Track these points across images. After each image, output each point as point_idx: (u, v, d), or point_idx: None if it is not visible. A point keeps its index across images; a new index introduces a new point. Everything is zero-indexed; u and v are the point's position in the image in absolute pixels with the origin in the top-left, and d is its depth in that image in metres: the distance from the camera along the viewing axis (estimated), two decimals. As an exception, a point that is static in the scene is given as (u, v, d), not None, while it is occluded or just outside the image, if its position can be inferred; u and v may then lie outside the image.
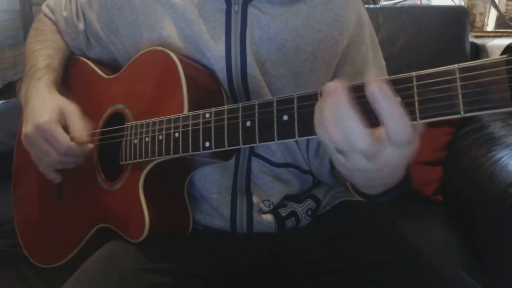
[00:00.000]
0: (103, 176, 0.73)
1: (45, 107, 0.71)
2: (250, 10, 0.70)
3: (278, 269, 0.72)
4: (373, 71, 0.74)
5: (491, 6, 1.68)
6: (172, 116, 0.61)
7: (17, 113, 0.91)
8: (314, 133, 0.47)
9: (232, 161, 0.72)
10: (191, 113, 0.59)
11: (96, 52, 0.85)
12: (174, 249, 0.68)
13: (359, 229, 0.74)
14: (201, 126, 0.57)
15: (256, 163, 0.73)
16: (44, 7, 0.90)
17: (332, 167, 0.74)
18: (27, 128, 0.70)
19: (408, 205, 1.14)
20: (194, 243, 0.71)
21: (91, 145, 0.71)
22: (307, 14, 0.71)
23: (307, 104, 0.48)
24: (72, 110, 0.72)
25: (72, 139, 0.69)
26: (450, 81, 0.39)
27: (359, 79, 0.73)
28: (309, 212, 0.76)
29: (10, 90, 1.98)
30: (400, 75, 0.42)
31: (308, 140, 0.75)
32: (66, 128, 0.71)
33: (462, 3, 1.74)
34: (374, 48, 0.77)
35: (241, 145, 0.53)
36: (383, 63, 0.78)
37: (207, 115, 0.57)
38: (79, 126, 0.70)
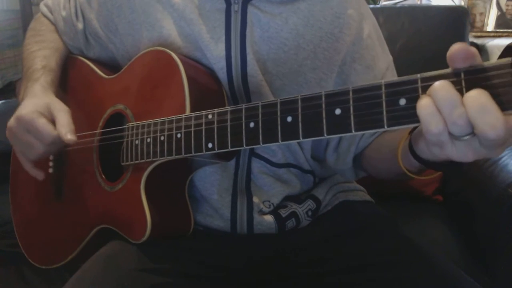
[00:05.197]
0: (103, 177, 0.73)
1: (31, 102, 0.70)
2: (250, 9, 0.70)
3: (279, 269, 0.72)
4: (383, 64, 0.74)
5: (491, 6, 1.68)
6: (174, 117, 0.61)
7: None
8: (318, 134, 0.47)
9: (232, 162, 0.72)
10: (193, 114, 0.59)
11: (95, 52, 0.84)
12: (174, 249, 0.68)
13: (359, 229, 0.74)
14: (203, 127, 0.57)
15: (256, 164, 0.73)
16: (42, 6, 0.89)
17: (355, 163, 0.74)
18: (10, 121, 0.69)
19: (408, 205, 1.15)
20: (195, 244, 0.71)
21: (75, 139, 0.67)
22: (307, 12, 0.71)
23: (311, 105, 0.47)
24: (62, 108, 0.70)
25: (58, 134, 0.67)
26: (455, 83, 0.39)
27: (370, 74, 0.73)
28: (309, 213, 0.76)
29: (10, 90, 1.97)
30: (404, 77, 0.42)
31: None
32: (53, 123, 0.68)
33: (462, 3, 1.74)
34: (381, 43, 0.77)
35: (244, 146, 0.53)
36: (390, 57, 0.78)
37: (210, 116, 0.57)
38: (67, 124, 0.68)
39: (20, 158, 0.73)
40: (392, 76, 0.77)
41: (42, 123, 0.67)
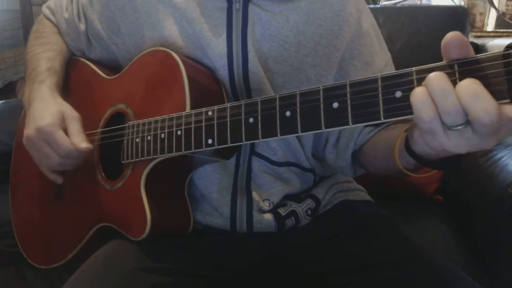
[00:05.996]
0: (103, 175, 0.73)
1: (47, 110, 0.71)
2: (251, 8, 0.70)
3: (278, 268, 0.72)
4: (381, 61, 0.75)
5: (491, 6, 1.68)
6: (174, 114, 0.61)
7: (17, 113, 0.91)
8: (316, 128, 0.48)
9: (232, 161, 0.72)
10: (193, 111, 0.59)
11: (97, 53, 0.85)
12: (174, 248, 0.68)
13: (359, 229, 0.74)
14: (203, 124, 0.58)
15: (256, 162, 0.73)
16: (44, 9, 0.90)
17: (354, 160, 0.75)
18: (29, 130, 0.71)
19: (408, 205, 1.15)
20: (194, 243, 0.71)
21: (91, 147, 0.70)
22: (307, 10, 0.72)
23: (309, 100, 0.48)
24: (74, 117, 0.72)
25: (72, 144, 0.69)
26: (450, 74, 0.40)
27: (369, 70, 0.74)
28: (309, 212, 0.76)
29: (10, 90, 1.98)
30: (400, 70, 0.43)
31: (328, 134, 0.76)
32: (66, 133, 0.70)
33: (462, 3, 1.75)
34: (379, 40, 0.78)
35: (244, 141, 0.54)
36: (389, 54, 0.79)
37: (210, 113, 0.57)
38: (79, 132, 0.70)
39: (39, 165, 0.75)
40: None
41: (60, 136, 0.69)
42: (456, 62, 0.40)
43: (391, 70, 0.77)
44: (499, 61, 0.38)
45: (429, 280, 0.62)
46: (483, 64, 0.38)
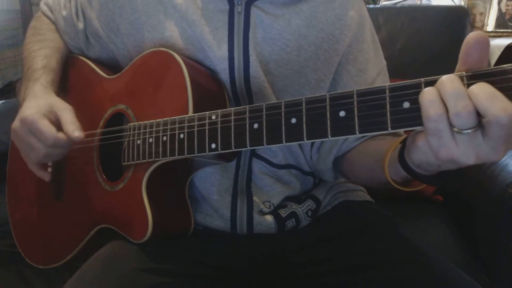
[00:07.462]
0: (104, 176, 0.73)
1: (34, 103, 0.70)
2: (253, 10, 0.70)
3: (278, 269, 0.72)
4: (374, 70, 0.75)
5: (491, 6, 1.68)
6: (177, 117, 0.61)
7: (17, 113, 0.91)
8: (322, 136, 0.47)
9: (233, 162, 0.72)
10: (196, 115, 0.59)
11: (95, 51, 0.84)
12: (174, 249, 0.68)
13: (359, 229, 0.74)
14: (207, 127, 0.57)
15: (257, 164, 0.73)
16: (42, 5, 0.89)
17: (335, 166, 0.74)
18: (15, 123, 0.70)
19: (408, 205, 1.15)
20: (195, 244, 0.71)
21: (83, 135, 0.68)
22: (310, 13, 0.71)
23: (315, 107, 0.48)
24: (64, 106, 0.70)
25: (65, 133, 0.67)
26: None
27: (362, 77, 0.74)
28: (309, 213, 0.76)
29: (10, 90, 1.98)
30: (408, 81, 0.43)
31: None
32: (57, 124, 0.69)
33: (462, 3, 1.75)
34: (375, 47, 0.78)
35: (248, 147, 0.53)
36: (384, 62, 0.79)
37: (213, 117, 0.57)
38: (72, 121, 0.68)
39: (26, 160, 0.73)
40: (382, 81, 0.76)
41: (44, 124, 0.67)
42: (465, 74, 0.40)
43: (384, 79, 0.77)
44: (510, 75, 0.37)
45: (429, 280, 0.62)
46: (493, 78, 0.38)
